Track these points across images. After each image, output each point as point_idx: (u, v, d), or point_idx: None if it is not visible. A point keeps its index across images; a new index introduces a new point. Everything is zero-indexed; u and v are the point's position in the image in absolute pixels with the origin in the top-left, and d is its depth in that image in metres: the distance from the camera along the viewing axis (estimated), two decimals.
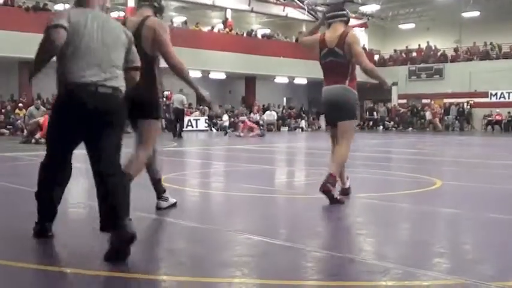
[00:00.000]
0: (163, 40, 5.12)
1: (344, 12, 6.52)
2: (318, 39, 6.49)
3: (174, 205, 5.80)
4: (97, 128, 4.13)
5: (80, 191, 7.15)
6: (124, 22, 5.27)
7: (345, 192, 6.63)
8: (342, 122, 6.35)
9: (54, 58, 4.15)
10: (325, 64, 6.42)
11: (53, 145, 4.38)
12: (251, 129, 25.26)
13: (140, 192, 6.95)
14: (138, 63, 4.47)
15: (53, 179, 4.42)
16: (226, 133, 26.74)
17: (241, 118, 26.58)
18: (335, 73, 6.32)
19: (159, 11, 5.46)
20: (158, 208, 5.68)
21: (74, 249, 4.37)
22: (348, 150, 6.35)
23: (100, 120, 4.12)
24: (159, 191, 5.72)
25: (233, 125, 30.06)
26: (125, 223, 3.93)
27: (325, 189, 6.10)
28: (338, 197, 6.20)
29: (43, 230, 4.46)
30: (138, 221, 5.31)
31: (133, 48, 4.42)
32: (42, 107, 20.83)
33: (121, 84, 4.24)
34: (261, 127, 27.07)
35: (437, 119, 36.17)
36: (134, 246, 3.89)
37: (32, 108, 20.67)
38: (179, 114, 23.42)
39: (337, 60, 6.28)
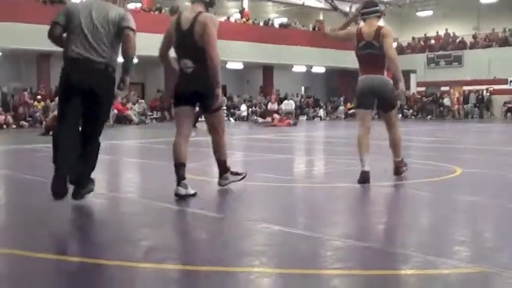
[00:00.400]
0: (210, 32, 5.67)
1: (378, 8, 7.16)
2: (355, 32, 7.03)
3: (193, 195, 5.80)
4: (90, 97, 5.10)
5: (101, 181, 7.20)
6: (179, 18, 5.91)
7: (365, 176, 6.67)
8: (390, 112, 7.11)
9: None
10: (363, 56, 6.95)
11: (61, 110, 5.26)
12: (284, 120, 25.52)
13: (160, 182, 7.01)
14: (130, 24, 5.25)
15: (64, 140, 5.10)
16: (256, 122, 27.07)
17: (275, 116, 26.57)
18: (373, 64, 6.87)
19: (210, 5, 5.98)
20: (176, 195, 5.68)
21: (93, 239, 4.41)
22: (399, 132, 7.20)
23: (93, 91, 5.10)
24: (180, 177, 5.77)
25: (254, 114, 30.41)
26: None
27: (400, 173, 7.18)
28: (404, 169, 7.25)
29: (61, 181, 4.92)
30: (158, 211, 5.36)
31: (124, 20, 5.24)
32: None
33: (111, 61, 5.23)
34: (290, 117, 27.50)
35: (460, 106, 35.83)
36: (155, 235, 3.89)
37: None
38: None
39: (375, 52, 6.81)
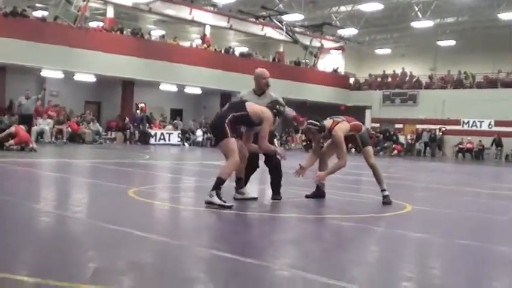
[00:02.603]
0: (264, 126, 7.43)
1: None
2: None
3: (253, 199, 8.09)
4: None
5: (48, 199, 7.05)
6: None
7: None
8: None
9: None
10: None
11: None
12: None
13: (107, 203, 6.90)
14: None
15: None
16: None
17: None
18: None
19: (277, 115, 7.87)
20: (234, 198, 7.77)
21: (37, 259, 4.29)
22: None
23: None
24: (238, 186, 8.08)
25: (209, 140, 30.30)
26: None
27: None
28: None
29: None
30: (105, 232, 5.25)
31: None
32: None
33: None
34: None
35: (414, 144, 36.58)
36: (101, 257, 3.81)
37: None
38: None
39: None
